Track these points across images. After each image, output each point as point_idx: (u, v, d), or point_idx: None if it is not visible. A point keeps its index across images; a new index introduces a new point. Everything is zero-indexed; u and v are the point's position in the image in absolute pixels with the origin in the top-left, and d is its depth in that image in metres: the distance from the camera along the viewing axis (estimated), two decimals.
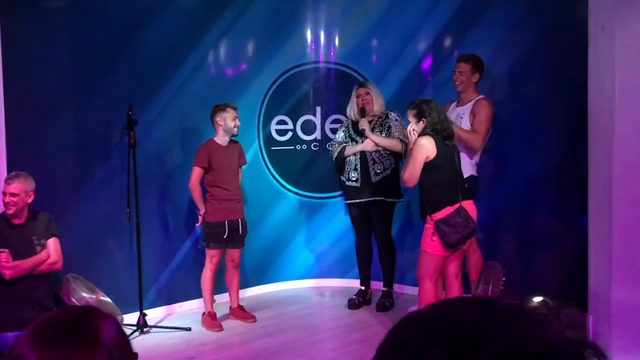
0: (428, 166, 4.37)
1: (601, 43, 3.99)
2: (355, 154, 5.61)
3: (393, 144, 5.50)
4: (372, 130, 5.55)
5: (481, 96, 5.11)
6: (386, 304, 5.65)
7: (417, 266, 4.61)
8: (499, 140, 5.31)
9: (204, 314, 5.33)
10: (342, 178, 5.74)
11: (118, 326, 1.30)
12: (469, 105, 5.05)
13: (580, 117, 4.39)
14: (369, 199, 5.60)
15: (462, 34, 5.78)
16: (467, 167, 4.97)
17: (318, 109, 6.51)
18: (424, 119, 4.39)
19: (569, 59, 5.03)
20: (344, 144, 5.66)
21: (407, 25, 6.09)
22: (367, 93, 5.61)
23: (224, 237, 5.24)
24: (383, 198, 5.58)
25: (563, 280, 5.24)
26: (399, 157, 5.62)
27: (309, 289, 6.44)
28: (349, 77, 6.39)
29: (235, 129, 5.26)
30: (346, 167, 5.67)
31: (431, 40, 6.01)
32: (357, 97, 5.62)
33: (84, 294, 4.79)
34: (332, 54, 6.48)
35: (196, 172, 5.19)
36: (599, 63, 4.06)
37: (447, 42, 5.92)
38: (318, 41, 6.46)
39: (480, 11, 5.63)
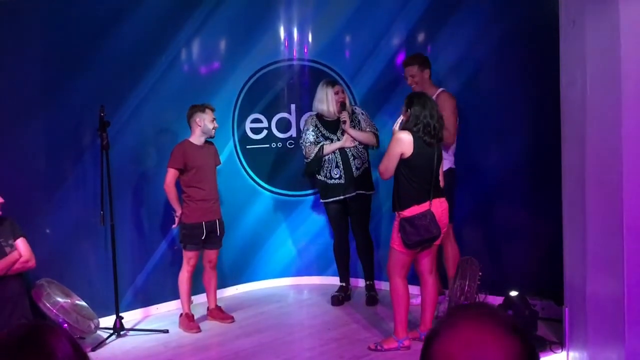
0: (403, 163, 4.37)
1: (572, 36, 4.01)
2: (334, 152, 5.60)
3: (369, 137, 5.60)
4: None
5: (440, 89, 5.18)
6: (375, 297, 5.71)
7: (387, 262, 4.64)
8: (474, 135, 5.33)
9: (181, 315, 5.30)
10: (320, 177, 5.72)
11: (73, 342, 1.27)
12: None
13: (553, 110, 4.42)
14: (353, 193, 5.62)
15: (435, 30, 5.79)
16: (445, 160, 4.98)
17: (293, 106, 6.49)
18: (409, 109, 4.39)
19: (541, 52, 5.06)
20: (322, 143, 5.65)
21: (380, 21, 6.08)
22: (343, 91, 5.68)
23: (202, 238, 5.20)
24: (364, 191, 5.65)
25: (539, 273, 5.27)
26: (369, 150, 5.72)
27: (287, 287, 6.43)
28: (323, 74, 6.36)
29: (213, 131, 5.24)
30: (325, 165, 5.66)
31: (404, 36, 6.01)
32: (336, 94, 5.62)
33: (59, 299, 4.73)
34: (305, 51, 6.45)
35: (171, 173, 5.15)
36: (570, 56, 4.08)
37: (420, 37, 5.92)
38: (291, 38, 6.43)
39: (453, 6, 5.64)
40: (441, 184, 4.60)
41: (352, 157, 5.60)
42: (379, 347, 4.58)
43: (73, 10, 5.13)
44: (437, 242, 4.54)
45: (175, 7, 5.75)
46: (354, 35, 6.28)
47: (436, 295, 4.64)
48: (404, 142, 4.34)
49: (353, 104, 5.82)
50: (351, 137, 5.57)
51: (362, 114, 5.69)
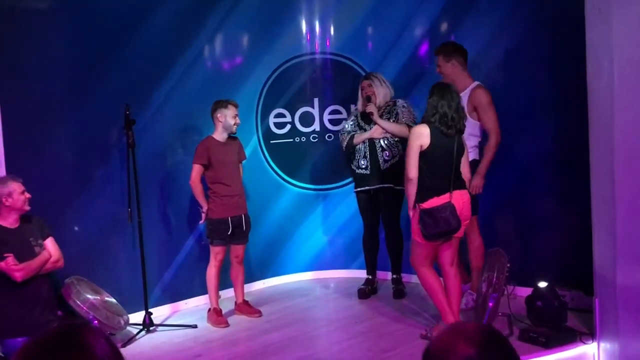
0: (421, 155, 4.35)
1: (598, 25, 3.96)
2: (364, 142, 5.61)
3: (400, 129, 5.50)
4: (381, 117, 5.56)
5: (476, 83, 5.06)
6: (403, 290, 5.70)
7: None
8: (500, 125, 5.27)
9: (209, 310, 5.33)
10: (352, 166, 5.75)
11: (110, 341, 1.29)
12: (466, 94, 4.99)
13: (580, 99, 4.37)
14: (378, 186, 5.61)
15: (458, 19, 5.75)
16: (470, 152, 4.95)
17: (316, 100, 6.48)
18: (429, 99, 4.39)
19: (567, 40, 5.01)
20: (353, 133, 5.66)
21: (402, 12, 6.06)
22: (370, 85, 5.62)
23: (228, 233, 5.23)
24: (392, 185, 5.60)
25: (568, 264, 5.23)
26: None
27: (313, 281, 6.44)
28: (346, 67, 6.36)
29: (235, 127, 5.25)
30: (356, 155, 5.67)
31: (427, 27, 5.97)
32: (362, 89, 5.64)
33: (89, 296, 4.78)
34: (327, 44, 6.44)
35: (196, 169, 5.19)
36: (597, 45, 4.03)
37: (443, 28, 5.89)
38: (313, 32, 6.43)
39: None
40: (467, 175, 4.58)
41: (381, 149, 5.58)
42: (429, 334, 4.57)
43: (96, 10, 5.16)
44: (459, 235, 4.50)
45: (196, 4, 5.76)
46: (376, 27, 6.26)
47: (459, 286, 4.61)
48: (421, 135, 4.33)
49: (395, 96, 5.71)
50: (381, 127, 5.54)
51: (404, 106, 5.62)
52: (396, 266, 5.80)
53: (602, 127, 4.00)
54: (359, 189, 5.74)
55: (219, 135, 5.25)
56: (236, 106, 5.25)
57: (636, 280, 3.78)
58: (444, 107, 4.33)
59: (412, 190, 4.39)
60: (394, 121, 5.56)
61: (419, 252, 4.51)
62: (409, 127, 5.37)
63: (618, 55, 3.73)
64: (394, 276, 5.80)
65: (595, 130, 4.15)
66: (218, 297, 5.37)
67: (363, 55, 6.34)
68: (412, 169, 4.35)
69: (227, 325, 5.21)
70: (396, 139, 5.57)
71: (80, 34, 5.10)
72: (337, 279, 6.43)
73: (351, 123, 5.75)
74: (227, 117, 5.19)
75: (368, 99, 5.59)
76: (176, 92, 5.63)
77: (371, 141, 5.59)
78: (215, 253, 5.26)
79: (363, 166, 5.64)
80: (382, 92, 5.61)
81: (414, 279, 6.04)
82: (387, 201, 5.68)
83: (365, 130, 5.63)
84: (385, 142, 5.58)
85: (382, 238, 5.86)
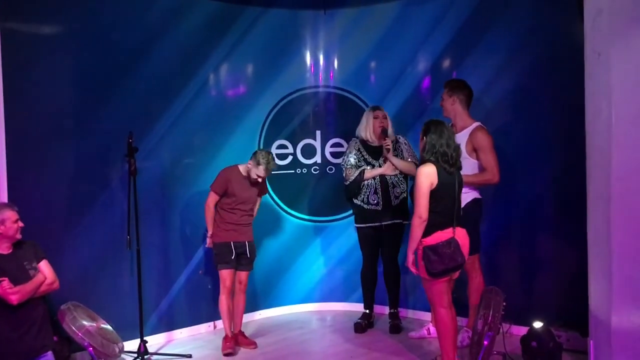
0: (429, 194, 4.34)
1: (597, 69, 4.01)
2: (374, 178, 5.63)
3: (409, 167, 5.54)
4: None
5: (476, 124, 5.07)
6: (400, 325, 5.70)
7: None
8: (499, 164, 5.29)
9: (224, 337, 5.36)
10: (357, 202, 5.72)
11: None
12: (466, 133, 5.03)
13: (579, 141, 4.40)
14: (390, 222, 5.62)
15: (461, 58, 5.82)
16: (471, 191, 4.97)
17: (318, 132, 6.54)
18: (425, 137, 4.40)
19: (567, 82, 5.06)
20: (363, 168, 5.66)
21: (406, 49, 6.13)
22: (385, 117, 5.65)
23: (232, 257, 5.27)
24: (401, 221, 5.64)
25: (565, 304, 5.23)
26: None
27: (310, 313, 6.43)
28: (348, 100, 6.43)
29: (254, 180, 5.28)
30: (364, 190, 5.67)
31: (430, 64, 6.04)
32: (375, 118, 5.64)
33: (85, 322, 4.77)
34: (331, 77, 6.51)
35: (212, 197, 5.30)
36: (596, 88, 4.07)
37: (446, 65, 5.95)
38: (317, 65, 6.51)
39: (478, 35, 5.66)
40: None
41: (392, 185, 5.60)
42: None
43: (104, 38, 5.24)
44: (454, 275, 4.48)
45: (203, 35, 5.84)
46: (380, 62, 6.34)
47: (455, 328, 4.55)
48: (430, 174, 4.28)
49: (396, 132, 5.75)
50: (393, 165, 5.57)
51: (406, 143, 5.67)
52: (394, 301, 5.79)
53: (599, 169, 4.03)
54: (367, 225, 5.72)
55: (245, 170, 5.32)
56: (267, 173, 5.26)
57: (631, 323, 3.77)
58: (443, 145, 4.33)
59: (419, 232, 4.29)
60: (400, 158, 5.60)
61: (433, 289, 4.43)
62: (415, 164, 5.43)
63: (616, 98, 3.76)
64: (392, 311, 5.79)
65: (593, 172, 4.18)
66: (231, 324, 5.36)
67: (366, 90, 6.40)
68: (424, 210, 4.26)
69: (230, 352, 5.20)
70: (402, 175, 5.62)
71: (87, 60, 5.16)
72: (334, 312, 6.42)
73: (354, 156, 5.71)
74: (252, 172, 5.24)
75: (385, 133, 5.61)
76: (180, 122, 5.68)
77: (382, 177, 5.61)
78: (223, 279, 5.27)
79: (374, 202, 5.64)
80: (391, 127, 5.67)
81: (411, 313, 6.07)
82: (391, 236, 5.69)
83: (372, 165, 5.65)
84: (395, 178, 5.62)
85: (379, 272, 5.87)
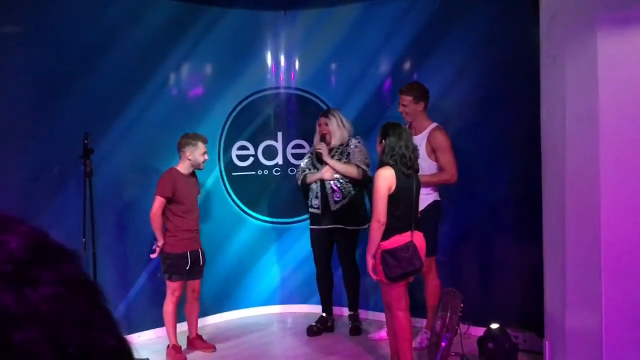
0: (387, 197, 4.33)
1: (552, 72, 4.06)
2: (316, 182, 5.62)
3: (349, 169, 5.50)
4: (332, 157, 5.56)
5: (434, 124, 5.11)
6: (359, 327, 5.69)
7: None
8: (457, 169, 5.32)
9: (168, 347, 5.21)
10: (308, 204, 5.76)
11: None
12: (424, 135, 5.06)
13: (536, 144, 4.44)
14: (330, 226, 5.62)
15: (421, 60, 5.85)
16: (430, 193, 4.99)
17: (279, 134, 6.51)
18: (384, 140, 4.38)
19: (524, 85, 5.09)
20: (306, 172, 5.69)
21: (367, 50, 6.13)
22: (326, 124, 5.62)
23: (186, 268, 5.15)
24: (343, 226, 5.59)
25: (522, 305, 5.28)
26: (363, 185, 5.63)
27: (271, 316, 6.40)
28: (309, 102, 6.41)
29: (203, 164, 5.21)
30: (309, 193, 5.70)
31: (390, 66, 6.05)
32: (319, 125, 5.66)
33: None
34: (292, 78, 6.49)
35: (159, 202, 5.05)
36: (551, 91, 4.12)
37: (406, 67, 5.97)
38: (279, 66, 6.48)
39: (438, 38, 5.69)
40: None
41: (332, 190, 5.57)
42: None
43: (59, 35, 5.15)
44: (409, 280, 4.46)
45: (163, 35, 5.77)
46: (341, 64, 6.33)
47: (410, 330, 4.54)
48: (388, 178, 4.25)
49: (356, 134, 5.70)
50: (330, 166, 5.54)
51: (356, 146, 5.60)
52: (352, 303, 5.79)
53: (554, 173, 4.07)
54: (313, 227, 5.77)
55: (185, 169, 5.17)
56: (205, 142, 5.19)
57: (584, 325, 3.81)
58: (402, 148, 4.31)
59: (378, 236, 4.25)
60: (345, 162, 5.55)
61: (392, 293, 4.39)
62: (359, 168, 5.43)
63: (570, 101, 3.81)
64: (351, 312, 5.78)
65: (549, 175, 4.22)
66: (176, 333, 5.26)
67: (327, 91, 6.40)
68: (382, 214, 4.23)
69: None
70: (347, 180, 5.57)
71: (42, 59, 5.07)
72: (295, 314, 6.40)
73: (306, 161, 5.78)
74: (196, 154, 5.11)
75: (323, 138, 5.61)
76: (138, 123, 5.61)
77: (322, 182, 5.61)
78: (173, 289, 5.12)
79: (315, 206, 5.66)
80: (338, 134, 5.60)
81: (371, 315, 6.07)
82: (340, 240, 5.69)
83: (318, 169, 5.64)
84: (336, 183, 5.58)
85: (338, 274, 5.86)
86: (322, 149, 5.54)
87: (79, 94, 5.24)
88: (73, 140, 5.04)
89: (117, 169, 5.53)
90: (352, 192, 5.57)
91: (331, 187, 5.58)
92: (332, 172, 5.56)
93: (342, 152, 5.60)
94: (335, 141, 5.60)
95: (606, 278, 3.57)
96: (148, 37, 5.67)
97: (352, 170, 5.48)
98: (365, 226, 5.62)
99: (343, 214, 5.58)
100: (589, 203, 3.73)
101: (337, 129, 5.60)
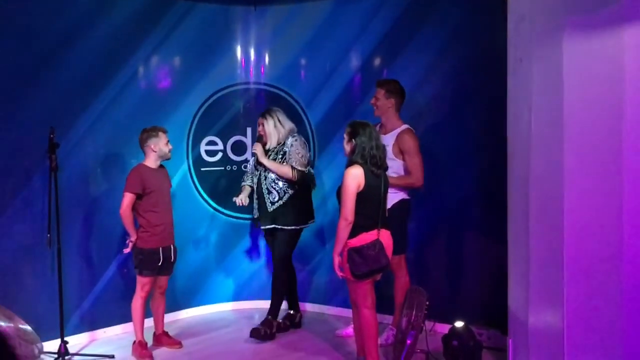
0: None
1: (519, 73, 4.10)
2: (257, 183, 5.66)
3: (282, 170, 5.49)
4: (269, 157, 5.55)
5: (404, 126, 5.11)
6: (261, 331, 5.48)
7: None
8: (425, 165, 5.35)
9: (134, 343, 5.17)
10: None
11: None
12: (393, 135, 5.06)
13: (502, 142, 4.48)
14: (267, 226, 5.62)
15: (391, 58, 5.86)
16: (398, 191, 5.01)
17: (249, 129, 6.49)
18: (354, 139, 4.39)
19: (492, 85, 5.13)
20: (248, 174, 5.85)
21: (337, 47, 6.14)
22: (262, 124, 5.61)
23: (159, 264, 5.11)
24: (279, 226, 5.57)
25: (487, 303, 5.33)
26: (303, 186, 5.63)
27: (238, 312, 6.39)
28: (279, 98, 6.39)
29: (170, 153, 5.17)
30: (253, 194, 5.73)
31: (360, 63, 6.06)
32: (258, 125, 5.68)
33: (1, 323, 4.62)
34: (262, 74, 6.47)
35: (128, 198, 4.98)
36: (517, 92, 4.16)
37: (376, 64, 5.99)
38: (248, 62, 6.45)
39: (409, 35, 5.72)
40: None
41: (268, 192, 5.57)
42: None
43: (23, 28, 5.06)
44: (375, 278, 4.47)
45: (131, 28, 5.71)
46: (311, 60, 6.33)
47: (376, 327, 4.56)
48: (357, 176, 4.26)
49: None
50: (266, 167, 5.54)
51: (292, 145, 5.53)
52: (271, 307, 5.66)
53: (519, 171, 4.12)
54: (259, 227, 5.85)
55: (152, 162, 5.12)
56: (165, 132, 5.17)
57: (547, 323, 3.87)
58: (373, 149, 4.33)
59: (345, 234, 4.26)
60: (280, 161, 5.53)
61: (358, 291, 4.41)
62: (294, 169, 5.45)
63: (536, 102, 3.85)
64: (268, 316, 5.63)
65: (514, 174, 4.27)
66: (143, 329, 5.22)
67: (297, 87, 6.39)
68: (350, 212, 4.24)
69: (151, 359, 5.07)
70: (284, 181, 5.53)
71: (6, 52, 4.98)
72: (262, 310, 6.35)
73: (252, 161, 5.80)
74: (161, 145, 5.09)
75: (259, 138, 5.62)
76: (105, 117, 5.54)
77: (259, 184, 5.61)
78: (143, 284, 5.08)
79: (256, 206, 5.68)
80: (274, 134, 5.57)
81: (337, 311, 6.08)
82: (275, 240, 5.66)
83: (258, 170, 5.64)
84: (273, 184, 5.55)
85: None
86: (257, 149, 5.56)
87: (44, 87, 5.17)
88: (39, 135, 4.98)
89: (84, 164, 5.47)
90: (289, 193, 5.55)
91: (267, 188, 5.57)
92: (262, 151, 5.57)
93: (277, 152, 5.57)
94: (272, 142, 5.59)
95: (568, 277, 3.62)
96: (116, 30, 5.60)
97: (286, 171, 5.47)
98: (302, 226, 5.65)
99: (278, 215, 5.56)
100: (553, 203, 3.77)
101: (272, 129, 5.57)
